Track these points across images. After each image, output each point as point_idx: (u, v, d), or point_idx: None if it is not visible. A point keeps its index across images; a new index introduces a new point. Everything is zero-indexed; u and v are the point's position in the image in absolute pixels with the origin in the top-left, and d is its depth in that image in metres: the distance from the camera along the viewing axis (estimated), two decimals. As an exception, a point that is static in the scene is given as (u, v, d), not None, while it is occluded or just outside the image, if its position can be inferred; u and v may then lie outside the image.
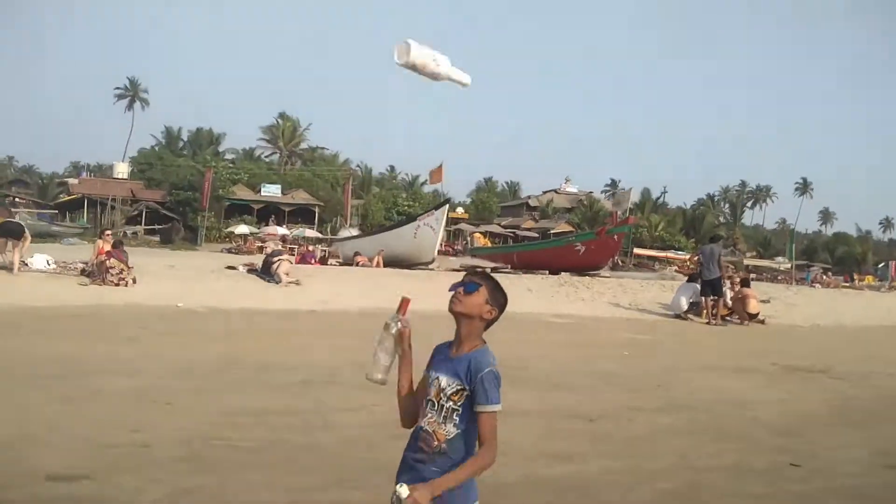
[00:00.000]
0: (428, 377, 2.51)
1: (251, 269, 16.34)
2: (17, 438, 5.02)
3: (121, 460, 4.81)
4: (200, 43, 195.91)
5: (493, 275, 2.72)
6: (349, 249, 23.37)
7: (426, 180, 42.39)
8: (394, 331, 2.55)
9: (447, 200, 24.25)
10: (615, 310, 16.38)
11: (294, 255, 23.39)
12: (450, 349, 2.52)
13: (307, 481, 4.74)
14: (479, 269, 2.84)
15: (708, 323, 15.05)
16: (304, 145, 76.45)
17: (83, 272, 13.61)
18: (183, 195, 49.96)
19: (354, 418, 6.28)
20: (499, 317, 2.56)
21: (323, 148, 77.99)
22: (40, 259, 13.94)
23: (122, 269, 13.17)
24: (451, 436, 2.39)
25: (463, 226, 61.44)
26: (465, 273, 2.80)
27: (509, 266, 23.40)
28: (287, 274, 15.65)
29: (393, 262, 21.18)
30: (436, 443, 2.39)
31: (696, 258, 16.83)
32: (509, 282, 20.15)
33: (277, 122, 74.00)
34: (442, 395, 2.40)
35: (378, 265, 20.81)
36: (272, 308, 12.72)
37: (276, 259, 16.22)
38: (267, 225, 48.82)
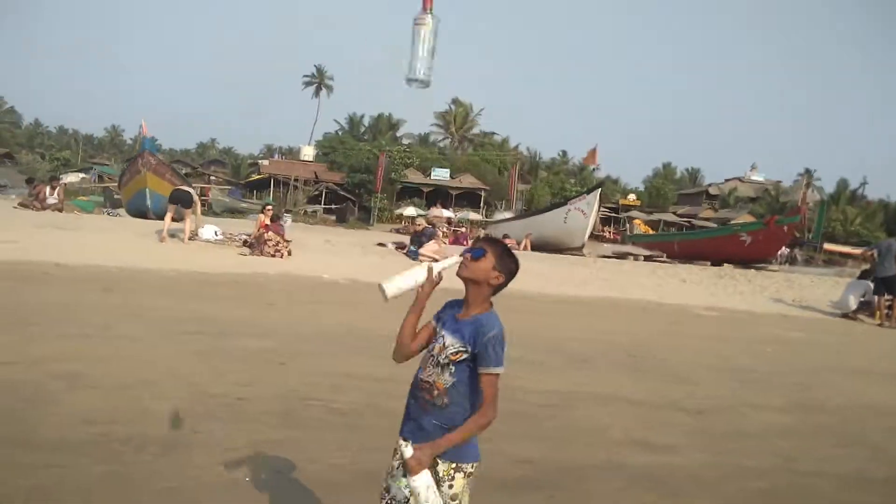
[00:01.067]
0: (435, 330, 2.62)
1: (399, 246, 16.93)
2: (138, 381, 5.61)
3: (218, 409, 5.23)
4: (382, 30, 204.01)
5: (504, 242, 2.77)
6: (500, 232, 23.54)
7: (596, 166, 41.62)
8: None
9: (600, 184, 23.73)
10: (774, 305, 15.27)
11: (448, 236, 23.92)
12: (460, 309, 2.62)
13: (382, 443, 4.89)
14: (491, 237, 2.89)
15: (880, 325, 13.64)
16: (475, 130, 77.59)
17: (245, 243, 14.75)
18: (359, 177, 52.69)
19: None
20: (507, 283, 2.64)
21: (493, 133, 78.76)
22: (209, 230, 15.29)
23: (279, 242, 14.15)
24: (449, 384, 2.51)
25: (634, 213, 59.64)
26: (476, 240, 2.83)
27: (665, 255, 22.46)
28: (434, 252, 16.08)
29: (542, 245, 21.09)
30: (436, 392, 2.52)
31: (870, 253, 15.25)
32: (663, 271, 19.37)
33: (450, 107, 75.64)
34: (443, 352, 2.52)
35: (525, 248, 20.81)
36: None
37: (425, 238, 16.72)
38: (434, 207, 50.17)
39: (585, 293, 14.20)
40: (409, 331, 2.66)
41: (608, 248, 26.28)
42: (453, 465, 2.52)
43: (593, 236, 42.24)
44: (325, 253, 15.41)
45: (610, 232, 49.10)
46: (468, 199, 57.77)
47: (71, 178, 44.65)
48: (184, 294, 9.88)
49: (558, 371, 7.73)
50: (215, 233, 15.32)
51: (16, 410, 4.77)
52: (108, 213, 19.22)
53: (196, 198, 15.06)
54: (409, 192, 55.90)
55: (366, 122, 78.39)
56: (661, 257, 21.85)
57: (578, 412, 6.22)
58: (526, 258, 18.59)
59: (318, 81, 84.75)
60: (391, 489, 2.58)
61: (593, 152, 25.61)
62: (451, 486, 2.52)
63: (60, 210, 17.15)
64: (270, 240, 14.11)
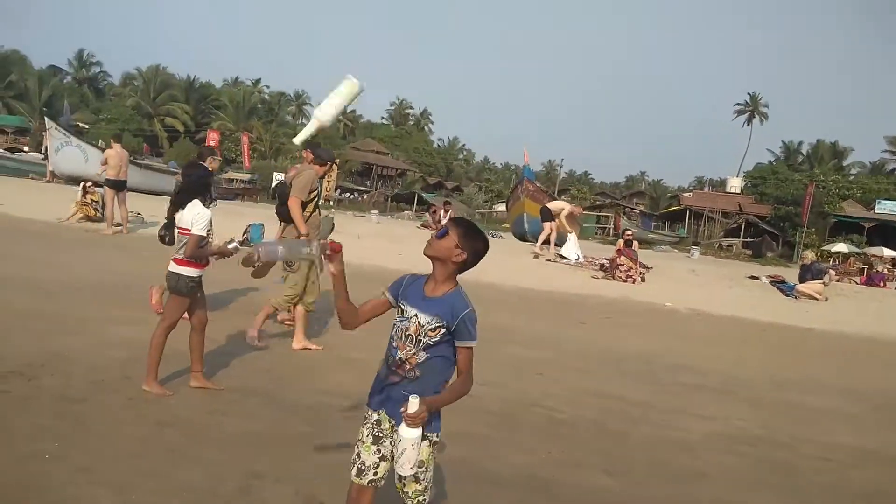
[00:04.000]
0: (402, 309, 2.73)
1: (775, 281, 15.43)
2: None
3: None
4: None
5: (472, 221, 2.86)
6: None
7: None
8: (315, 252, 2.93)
9: None
10: None
11: (861, 275, 20.73)
12: (424, 287, 2.73)
13: (571, 454, 4.81)
14: (460, 218, 2.94)
15: None
16: (943, 156, 65.23)
17: (602, 267, 15.01)
18: (784, 210, 48.64)
19: (699, 425, 5.89)
20: (472, 261, 2.72)
21: (971, 159, 65.21)
22: (573, 252, 15.91)
23: (631, 267, 14.10)
24: (422, 360, 2.66)
25: None
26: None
27: None
28: (818, 293, 14.32)
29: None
30: (409, 366, 2.67)
31: None
32: None
33: (910, 130, 64.94)
34: (421, 331, 2.65)
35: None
36: (767, 320, 11.97)
37: (810, 274, 14.98)
38: (872, 246, 43.61)
39: None
40: (347, 316, 2.85)
41: None
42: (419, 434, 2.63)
43: None
44: (684, 282, 14.85)
45: None
46: (924, 237, 48.76)
47: (500, 206, 50.10)
48: (502, 306, 10.60)
49: (868, 427, 6.44)
50: (577, 256, 15.90)
51: (282, 376, 5.81)
52: (493, 235, 21.20)
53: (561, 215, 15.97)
54: (846, 228, 49.44)
55: (804, 149, 71.89)
56: None
57: (856, 473, 5.21)
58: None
59: (752, 109, 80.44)
60: (361, 455, 2.76)
61: None
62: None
63: (449, 230, 19.51)
64: (623, 264, 14.15)
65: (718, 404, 6.61)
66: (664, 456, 5.05)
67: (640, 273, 14.33)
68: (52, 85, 64.40)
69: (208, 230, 4.96)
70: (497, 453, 4.71)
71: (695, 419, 6.04)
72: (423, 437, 2.63)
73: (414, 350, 2.65)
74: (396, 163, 59.40)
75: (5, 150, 40.37)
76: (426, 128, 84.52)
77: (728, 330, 10.94)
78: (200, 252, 4.88)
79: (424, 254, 2.74)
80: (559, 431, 5.30)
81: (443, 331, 2.62)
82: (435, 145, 79.16)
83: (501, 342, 8.06)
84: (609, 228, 45.59)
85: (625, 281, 13.96)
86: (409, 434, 2.56)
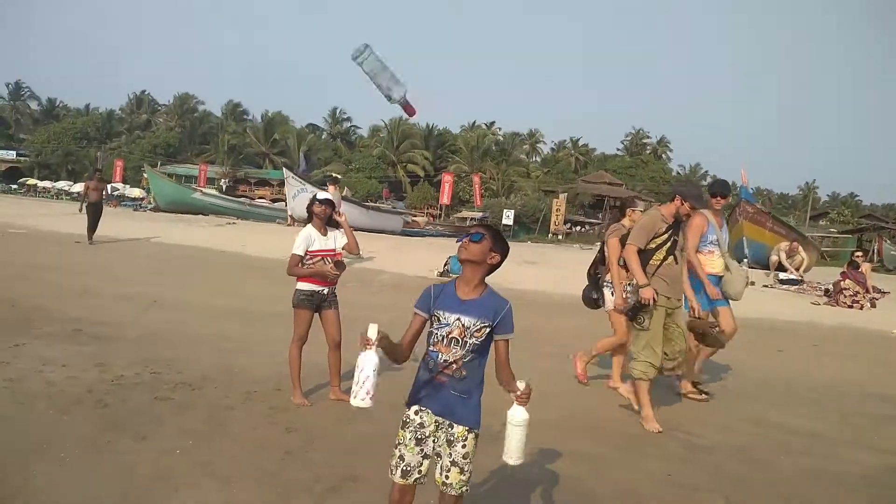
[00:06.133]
0: (438, 317, 2.86)
1: None
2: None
3: (568, 421, 5.55)
4: None
5: (494, 226, 2.90)
6: None
7: None
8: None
9: None
10: None
11: None
12: (456, 292, 2.88)
13: (684, 480, 4.51)
14: (484, 222, 2.97)
15: None
16: None
17: (825, 292, 13.55)
18: None
19: (870, 458, 5.18)
20: (501, 262, 2.93)
21: None
22: (789, 278, 14.59)
23: (857, 292, 12.57)
24: (467, 359, 2.84)
25: None
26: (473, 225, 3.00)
27: None
28: None
29: None
30: (455, 367, 2.84)
31: None
32: None
33: None
34: (466, 332, 2.82)
35: None
36: None
37: None
38: None
39: None
40: (397, 356, 2.87)
41: None
42: (467, 429, 2.84)
43: None
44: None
45: None
46: None
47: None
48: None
49: None
50: (795, 281, 14.58)
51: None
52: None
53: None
54: None
55: None
56: None
57: None
58: None
59: None
60: (405, 457, 2.89)
61: None
62: (464, 447, 2.84)
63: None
64: (847, 289, 12.66)
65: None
66: (808, 488, 4.51)
67: (871, 298, 12.72)
68: (308, 141, 72.21)
69: (314, 249, 5.41)
70: (606, 472, 4.51)
71: (868, 452, 5.30)
72: (470, 431, 2.83)
73: (461, 352, 2.81)
74: (630, 193, 58.23)
75: (270, 200, 46.08)
76: (664, 155, 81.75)
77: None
78: (297, 271, 5.38)
79: (460, 258, 2.91)
80: (690, 456, 4.95)
81: (487, 330, 2.81)
82: (674, 173, 76.25)
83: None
84: (872, 253, 40.68)
85: (850, 307, 12.47)
86: (522, 415, 2.80)
